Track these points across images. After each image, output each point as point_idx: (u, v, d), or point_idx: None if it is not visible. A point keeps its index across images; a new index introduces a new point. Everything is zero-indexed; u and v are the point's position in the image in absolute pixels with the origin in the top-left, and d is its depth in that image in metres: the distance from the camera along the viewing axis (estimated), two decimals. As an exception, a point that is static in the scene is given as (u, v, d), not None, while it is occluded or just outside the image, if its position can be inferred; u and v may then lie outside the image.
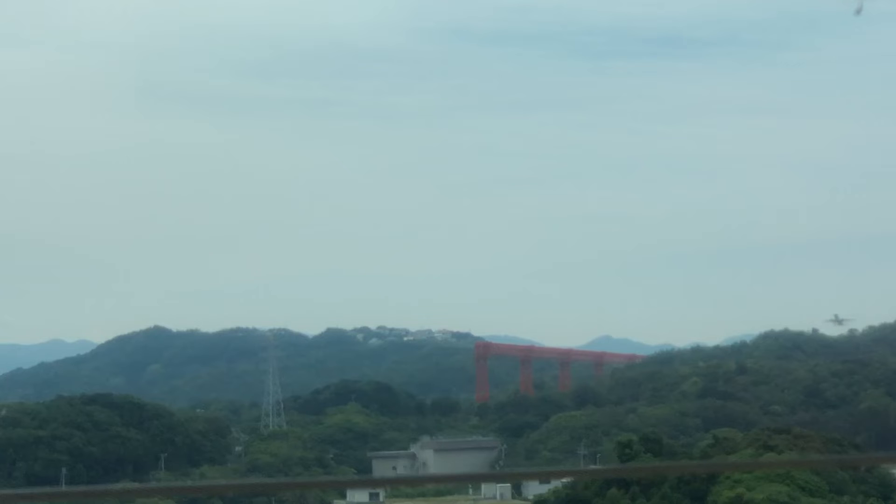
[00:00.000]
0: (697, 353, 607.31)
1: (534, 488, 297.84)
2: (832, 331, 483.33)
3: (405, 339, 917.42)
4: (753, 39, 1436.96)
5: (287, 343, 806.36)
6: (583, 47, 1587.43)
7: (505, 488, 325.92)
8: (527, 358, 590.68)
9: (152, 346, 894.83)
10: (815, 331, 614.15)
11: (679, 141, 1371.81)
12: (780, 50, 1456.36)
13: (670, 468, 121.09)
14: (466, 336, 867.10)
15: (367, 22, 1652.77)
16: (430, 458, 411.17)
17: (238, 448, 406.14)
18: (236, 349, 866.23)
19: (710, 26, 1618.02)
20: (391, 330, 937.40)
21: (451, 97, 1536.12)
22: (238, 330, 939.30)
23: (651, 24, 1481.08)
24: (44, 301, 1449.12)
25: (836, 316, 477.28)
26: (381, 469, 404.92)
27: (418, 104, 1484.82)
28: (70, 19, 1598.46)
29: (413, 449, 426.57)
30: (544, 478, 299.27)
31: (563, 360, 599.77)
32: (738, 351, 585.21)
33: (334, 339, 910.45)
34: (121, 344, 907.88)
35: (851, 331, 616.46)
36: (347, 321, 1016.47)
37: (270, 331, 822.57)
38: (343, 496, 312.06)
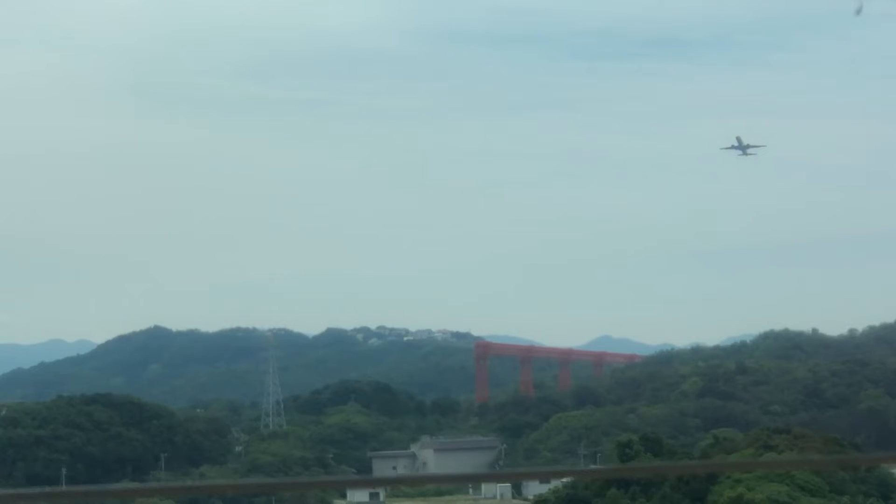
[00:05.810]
0: (697, 353, 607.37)
1: (534, 488, 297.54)
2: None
3: (405, 339, 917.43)
4: (749, 40, 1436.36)
5: (287, 343, 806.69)
6: (578, 48, 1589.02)
7: (505, 488, 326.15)
8: (527, 358, 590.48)
9: (152, 346, 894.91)
10: (815, 331, 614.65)
11: (676, 141, 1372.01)
12: (776, 51, 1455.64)
13: (670, 468, 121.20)
14: (466, 336, 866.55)
15: (362, 24, 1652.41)
16: (430, 458, 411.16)
17: (238, 448, 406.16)
18: (236, 349, 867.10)
19: (706, 27, 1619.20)
20: (391, 330, 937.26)
21: (447, 98, 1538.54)
22: (238, 330, 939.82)
23: (646, 25, 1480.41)
24: (44, 301, 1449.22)
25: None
26: (381, 469, 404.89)
27: (415, 105, 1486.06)
28: (67, 21, 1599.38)
29: (413, 449, 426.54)
30: (544, 478, 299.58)
31: (563, 359, 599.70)
32: (738, 351, 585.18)
33: (334, 339, 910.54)
34: (121, 344, 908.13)
35: (851, 330, 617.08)
36: (347, 321, 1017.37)
37: (270, 331, 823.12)
38: (343, 496, 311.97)
